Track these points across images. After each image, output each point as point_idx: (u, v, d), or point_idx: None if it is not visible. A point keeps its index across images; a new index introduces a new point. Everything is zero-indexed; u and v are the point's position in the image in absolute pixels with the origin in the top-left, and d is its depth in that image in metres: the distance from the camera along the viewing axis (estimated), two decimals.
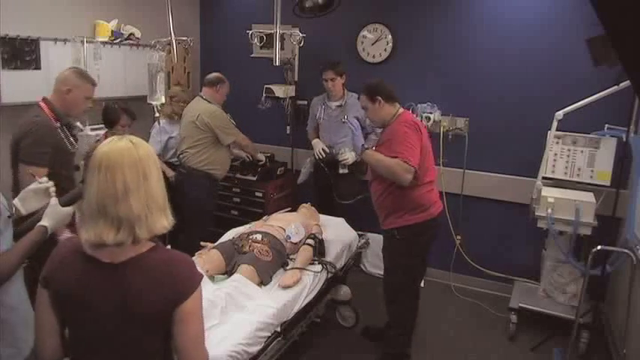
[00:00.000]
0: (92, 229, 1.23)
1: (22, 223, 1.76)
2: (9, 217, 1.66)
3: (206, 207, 3.74)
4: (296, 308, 2.49)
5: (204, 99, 3.63)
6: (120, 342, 1.28)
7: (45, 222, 1.66)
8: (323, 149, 3.81)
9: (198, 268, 1.37)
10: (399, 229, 2.65)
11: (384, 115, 2.66)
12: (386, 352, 2.92)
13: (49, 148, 2.36)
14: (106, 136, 3.11)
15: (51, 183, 1.84)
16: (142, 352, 1.30)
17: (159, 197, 1.28)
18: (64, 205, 1.72)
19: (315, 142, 3.89)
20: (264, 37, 3.73)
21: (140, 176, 1.25)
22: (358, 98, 2.93)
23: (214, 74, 3.68)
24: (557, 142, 3.23)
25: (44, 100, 2.51)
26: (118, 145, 1.26)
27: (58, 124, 2.49)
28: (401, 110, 2.70)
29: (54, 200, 1.74)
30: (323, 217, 3.41)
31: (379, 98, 2.62)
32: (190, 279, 1.29)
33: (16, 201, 1.79)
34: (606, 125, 3.19)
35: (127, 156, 1.25)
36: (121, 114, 3.22)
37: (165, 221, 1.29)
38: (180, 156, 3.72)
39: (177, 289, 1.26)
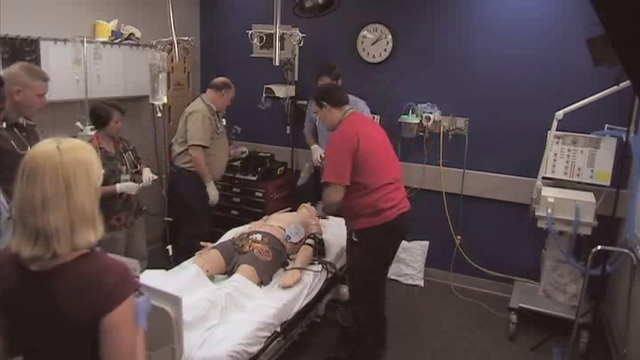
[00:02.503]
0: (15, 238, 1.17)
1: None
2: (9, 218, 1.66)
3: (198, 206, 3.65)
4: (296, 308, 2.49)
5: (202, 100, 3.61)
6: (49, 353, 1.24)
7: None
8: (321, 156, 3.76)
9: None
10: (356, 231, 2.65)
11: (331, 119, 2.74)
12: (357, 353, 2.90)
13: None
14: (98, 137, 3.01)
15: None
16: None
17: (86, 209, 1.18)
18: None
19: (314, 147, 3.84)
20: (264, 37, 3.72)
21: (62, 186, 1.15)
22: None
23: (221, 78, 3.64)
24: (557, 142, 3.23)
25: None
26: (41, 150, 1.17)
27: (3, 125, 2.34)
28: (348, 113, 2.71)
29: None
30: None
31: (324, 103, 2.71)
32: (117, 289, 1.19)
33: None
34: (606, 125, 3.19)
35: (49, 163, 1.14)
36: (113, 111, 3.02)
37: (92, 235, 1.20)
38: (173, 154, 3.70)
39: (101, 300, 1.17)
